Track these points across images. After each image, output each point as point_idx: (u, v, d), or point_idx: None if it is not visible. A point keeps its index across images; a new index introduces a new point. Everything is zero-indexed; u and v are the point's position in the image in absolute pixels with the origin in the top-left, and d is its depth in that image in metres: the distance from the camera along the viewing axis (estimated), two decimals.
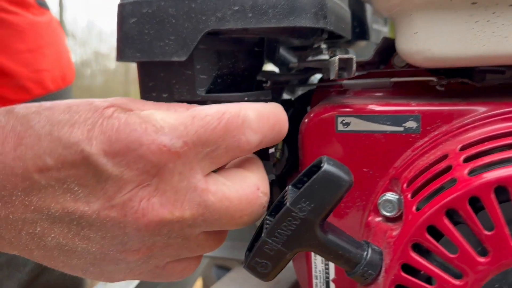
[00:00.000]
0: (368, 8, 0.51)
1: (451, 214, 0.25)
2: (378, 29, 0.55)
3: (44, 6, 0.71)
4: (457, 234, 0.25)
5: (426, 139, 0.30)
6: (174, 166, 0.25)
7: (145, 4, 0.28)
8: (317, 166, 0.26)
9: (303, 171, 0.27)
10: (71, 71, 0.77)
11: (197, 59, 0.29)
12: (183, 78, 0.29)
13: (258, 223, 0.29)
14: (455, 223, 0.25)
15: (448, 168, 0.27)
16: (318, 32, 0.33)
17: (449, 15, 0.28)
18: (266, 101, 0.29)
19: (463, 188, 0.24)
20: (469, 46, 0.28)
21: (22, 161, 0.24)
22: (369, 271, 0.27)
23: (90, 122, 0.24)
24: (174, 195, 0.25)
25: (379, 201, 0.30)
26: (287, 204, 0.26)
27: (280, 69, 0.46)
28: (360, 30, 0.50)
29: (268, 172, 0.30)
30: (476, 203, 0.24)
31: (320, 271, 0.34)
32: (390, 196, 0.29)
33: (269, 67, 0.50)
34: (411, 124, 0.30)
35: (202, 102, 0.28)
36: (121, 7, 0.28)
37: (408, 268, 0.26)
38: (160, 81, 0.29)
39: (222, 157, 0.26)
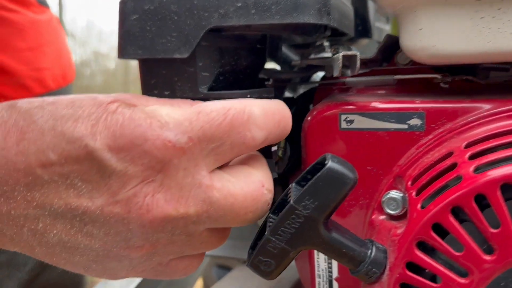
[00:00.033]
0: (371, 6, 0.51)
1: (457, 211, 0.25)
2: (380, 27, 0.55)
3: (44, 5, 0.71)
4: (462, 232, 0.25)
5: (430, 136, 0.30)
6: (179, 162, 0.25)
7: (147, 0, 0.28)
8: (321, 164, 0.26)
9: (307, 168, 0.27)
10: (71, 69, 0.77)
11: (199, 56, 0.29)
12: (185, 75, 0.29)
13: (260, 222, 0.29)
14: (461, 221, 0.25)
15: (453, 166, 0.26)
16: (321, 29, 0.33)
17: (454, 11, 0.28)
18: (269, 98, 0.29)
19: (469, 185, 0.24)
20: (474, 43, 0.28)
21: (24, 156, 0.24)
22: (374, 269, 0.27)
23: (94, 117, 0.24)
24: (179, 191, 0.25)
25: (383, 199, 0.29)
26: (291, 201, 0.25)
27: (282, 67, 0.46)
28: (363, 27, 0.50)
29: (271, 171, 0.30)
30: (481, 201, 0.24)
31: (323, 270, 0.34)
32: (394, 194, 0.29)
33: (271, 65, 0.50)
34: (416, 121, 0.30)
35: (204, 100, 0.28)
36: (122, 4, 0.28)
37: (413, 266, 0.26)
38: (162, 79, 0.29)
39: (227, 153, 0.26)
